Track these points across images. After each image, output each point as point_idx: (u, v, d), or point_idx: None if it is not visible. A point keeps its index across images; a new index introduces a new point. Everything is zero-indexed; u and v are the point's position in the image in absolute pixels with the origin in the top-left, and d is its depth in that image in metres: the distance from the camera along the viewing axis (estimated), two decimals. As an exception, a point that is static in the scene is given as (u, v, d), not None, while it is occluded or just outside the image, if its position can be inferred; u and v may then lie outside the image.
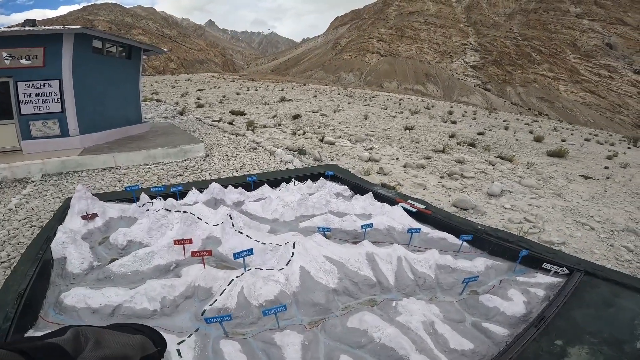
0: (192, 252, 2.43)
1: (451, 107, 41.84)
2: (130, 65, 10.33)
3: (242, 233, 2.76)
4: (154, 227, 2.88)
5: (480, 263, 2.38)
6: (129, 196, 3.51)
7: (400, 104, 39.11)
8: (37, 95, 7.56)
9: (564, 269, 2.22)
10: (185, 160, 7.80)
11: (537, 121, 41.49)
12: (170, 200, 3.31)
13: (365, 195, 3.70)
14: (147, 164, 7.51)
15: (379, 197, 3.71)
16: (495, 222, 6.14)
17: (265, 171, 6.88)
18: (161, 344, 0.76)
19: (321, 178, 4.21)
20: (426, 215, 3.14)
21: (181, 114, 17.64)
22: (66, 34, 7.40)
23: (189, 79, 53.69)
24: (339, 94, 40.31)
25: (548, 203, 7.50)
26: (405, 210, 3.24)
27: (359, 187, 4.05)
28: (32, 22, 8.81)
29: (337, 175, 4.44)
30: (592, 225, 6.32)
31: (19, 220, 4.89)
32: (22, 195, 5.76)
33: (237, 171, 6.92)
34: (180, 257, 2.61)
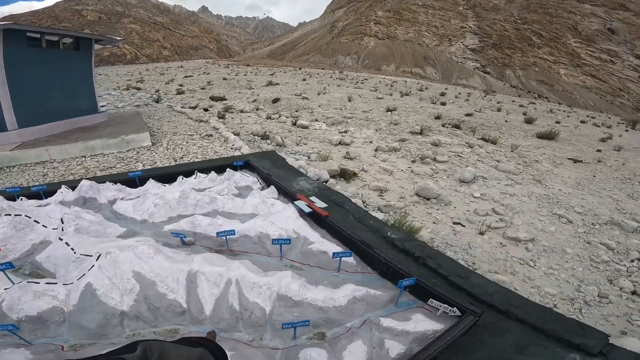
0: None
1: (445, 89, 40.55)
2: (79, 56, 9.82)
3: (61, 239, 2.20)
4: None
5: (345, 293, 1.80)
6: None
7: (392, 86, 37.96)
8: None
9: (455, 309, 1.64)
10: (128, 150, 7.20)
11: (534, 103, 40.25)
12: (14, 202, 2.79)
13: (266, 190, 3.12)
14: (85, 156, 6.93)
15: (282, 192, 3.14)
16: (459, 214, 5.53)
17: (205, 158, 6.27)
18: (222, 356, 0.81)
19: (228, 169, 3.61)
20: (322, 218, 2.56)
21: (157, 101, 16.93)
22: None
23: (181, 66, 52.41)
24: (331, 77, 39.13)
25: (524, 191, 6.86)
26: (300, 210, 2.67)
27: (267, 180, 3.46)
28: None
29: (252, 164, 3.85)
30: (571, 218, 5.68)
31: None
32: None
33: (175, 160, 6.33)
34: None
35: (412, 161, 8.51)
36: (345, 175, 6.92)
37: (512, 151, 10.24)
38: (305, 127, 11.97)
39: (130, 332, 1.68)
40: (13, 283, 1.84)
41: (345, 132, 11.83)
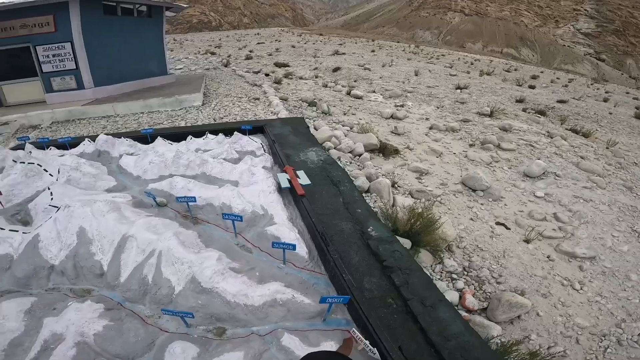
0: None
1: (541, 72, 34.60)
2: (151, 24, 10.61)
3: (49, 189, 2.28)
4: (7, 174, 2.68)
5: (264, 293, 1.54)
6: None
7: (472, 64, 33.77)
8: (54, 56, 8.29)
9: (375, 350, 1.25)
10: (180, 109, 7.62)
11: (655, 97, 32.18)
12: (40, 152, 3.05)
13: (259, 158, 2.90)
14: (143, 113, 7.51)
15: (277, 162, 2.89)
16: (507, 214, 4.66)
17: (230, 121, 6.28)
18: None
19: (235, 133, 3.46)
20: (298, 196, 2.26)
21: (225, 65, 17.67)
22: (71, 1, 7.68)
23: (258, 34, 53.78)
24: (403, 50, 36.39)
25: (606, 198, 5.50)
26: (280, 183, 2.40)
27: (272, 147, 3.23)
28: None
29: (265, 129, 3.64)
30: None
31: None
32: (32, 136, 6.20)
33: (215, 120, 6.46)
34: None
35: (470, 145, 7.46)
36: (384, 150, 6.36)
37: (606, 148, 8.33)
38: (358, 97, 11.38)
39: (51, 286, 1.68)
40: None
41: (402, 106, 10.95)
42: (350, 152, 5.57)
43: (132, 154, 3.18)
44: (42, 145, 3.33)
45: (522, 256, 3.73)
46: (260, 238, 1.93)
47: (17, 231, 1.93)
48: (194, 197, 2.11)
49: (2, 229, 1.92)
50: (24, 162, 2.71)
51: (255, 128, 3.71)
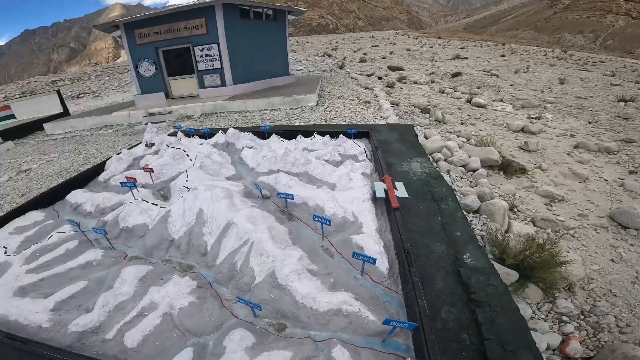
0: (144, 168, 3.03)
1: None
2: (276, 26, 11.63)
3: (186, 172, 2.76)
4: (161, 156, 3.37)
5: (331, 300, 1.50)
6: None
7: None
8: (206, 56, 9.94)
9: None
10: (296, 108, 8.24)
11: None
12: (187, 139, 3.72)
13: (361, 163, 2.85)
14: (267, 109, 8.42)
15: (378, 169, 2.79)
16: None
17: (339, 123, 6.37)
18: None
19: (340, 135, 3.50)
20: (392, 208, 2.12)
21: (340, 67, 18.36)
22: (216, 5, 9.01)
23: (372, 36, 54.13)
24: (544, 55, 30.90)
25: None
26: (376, 191, 2.30)
27: (374, 153, 3.15)
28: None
29: (370, 134, 3.59)
30: None
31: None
32: (185, 125, 7.76)
33: (325, 121, 6.73)
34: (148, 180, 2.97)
35: (631, 172, 5.82)
36: (507, 168, 5.52)
37: None
38: (481, 105, 10.20)
39: (167, 258, 1.99)
40: (135, 199, 2.48)
41: (537, 118, 9.33)
42: (463, 166, 5.02)
43: (251, 148, 3.56)
44: (189, 133, 4.06)
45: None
46: (344, 244, 1.89)
47: (157, 205, 2.38)
48: (292, 195, 2.22)
49: (146, 201, 2.40)
50: (173, 147, 3.35)
51: (360, 132, 3.68)
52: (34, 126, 10.44)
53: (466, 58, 23.47)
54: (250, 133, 3.89)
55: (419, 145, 3.67)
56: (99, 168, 3.63)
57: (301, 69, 18.72)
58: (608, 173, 5.77)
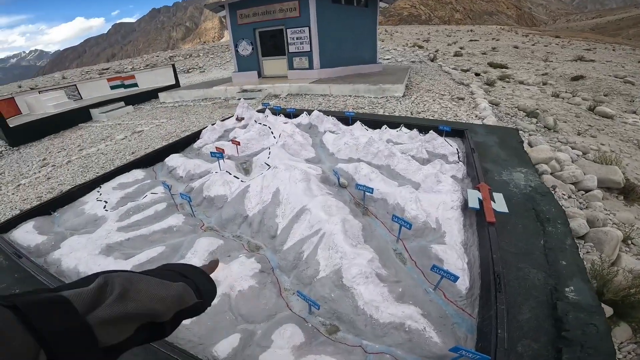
0: (232, 141, 3.18)
1: None
2: (366, 13, 11.28)
3: (268, 149, 2.81)
4: (249, 130, 3.54)
5: (394, 313, 1.32)
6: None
7: None
8: (297, 38, 10.20)
9: None
10: (381, 97, 7.94)
11: None
12: (273, 117, 3.84)
13: (451, 165, 2.52)
14: (350, 96, 8.30)
15: (471, 174, 2.44)
16: None
17: (427, 118, 5.86)
18: (207, 294, 0.65)
19: (431, 131, 3.17)
20: (486, 222, 1.80)
21: (432, 60, 17.16)
22: None
23: (471, 30, 48.96)
24: None
25: None
26: (465, 201, 2.00)
27: (469, 155, 2.78)
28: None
29: (466, 134, 3.19)
30: None
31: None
32: (272, 103, 8.16)
33: (412, 114, 6.31)
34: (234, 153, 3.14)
35: None
36: (630, 192, 4.53)
37: None
38: (608, 116, 8.49)
39: (238, 233, 2.00)
40: (220, 169, 2.59)
41: (685, 139, 7.39)
42: (573, 183, 4.22)
43: (333, 132, 3.49)
44: (276, 111, 4.17)
45: None
46: (420, 252, 1.67)
47: (238, 178, 2.45)
48: (372, 189, 2.06)
49: (229, 173, 2.49)
50: (260, 123, 3.46)
51: (453, 130, 3.30)
52: (152, 94, 12.13)
53: (592, 61, 19.79)
54: (334, 117, 3.81)
55: (524, 154, 3.15)
56: (196, 136, 3.97)
57: (389, 59, 17.99)
58: None
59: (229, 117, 4.31)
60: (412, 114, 6.29)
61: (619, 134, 7.07)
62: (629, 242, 3.66)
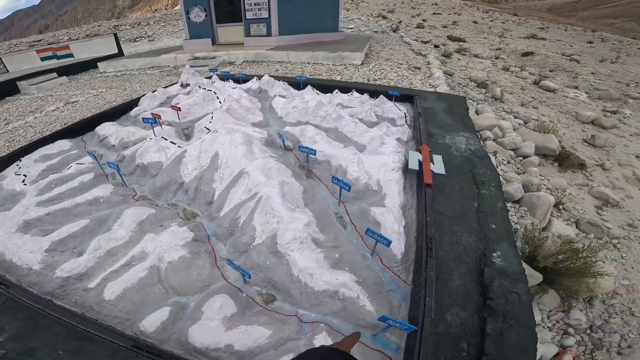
0: (172, 107, 2.98)
1: None
2: None
3: (211, 114, 2.64)
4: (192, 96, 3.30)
5: (329, 280, 1.32)
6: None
7: None
8: (254, 4, 9.58)
9: None
10: (340, 64, 7.79)
11: None
12: (220, 83, 3.59)
13: (397, 128, 2.53)
14: (309, 63, 8.06)
15: (416, 137, 2.47)
16: None
17: (383, 85, 5.89)
18: None
19: (381, 96, 3.16)
20: (423, 184, 1.83)
21: (394, 30, 17.07)
22: None
23: (435, 4, 49.35)
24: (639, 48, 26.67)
25: None
26: (409, 161, 2.01)
27: (416, 119, 2.81)
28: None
29: (415, 99, 3.21)
30: None
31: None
32: (227, 70, 7.69)
33: (368, 81, 6.27)
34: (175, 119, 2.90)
35: None
36: (564, 160, 4.89)
37: None
38: (550, 89, 9.05)
39: (173, 201, 1.89)
40: (155, 135, 2.39)
41: (614, 112, 8.16)
42: (513, 150, 4.48)
43: (283, 97, 3.35)
44: (224, 77, 3.92)
45: None
46: (361, 216, 1.67)
47: (175, 144, 2.28)
48: (315, 150, 2.01)
49: (165, 139, 2.31)
50: (205, 89, 3.22)
51: (403, 96, 3.30)
52: (90, 65, 10.92)
53: (544, 39, 20.80)
54: (285, 82, 3.66)
55: (468, 120, 3.25)
56: (134, 103, 3.63)
57: (352, 28, 17.62)
58: None
59: (173, 84, 3.99)
60: (368, 81, 6.24)
61: (560, 106, 7.60)
62: (561, 207, 3.96)
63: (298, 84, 3.59)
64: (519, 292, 1.34)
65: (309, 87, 3.43)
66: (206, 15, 10.34)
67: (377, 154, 2.10)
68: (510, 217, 3.35)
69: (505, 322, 1.24)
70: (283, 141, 2.31)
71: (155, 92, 3.63)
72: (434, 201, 1.81)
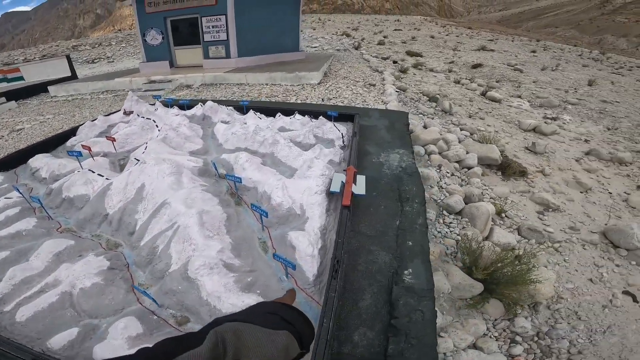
0: (107, 137, 2.89)
1: None
2: (290, 2, 11.17)
3: (146, 144, 2.62)
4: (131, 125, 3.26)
5: (234, 303, 1.32)
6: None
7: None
8: (212, 27, 9.68)
9: None
10: (298, 85, 7.95)
11: None
12: (164, 109, 3.57)
13: (330, 150, 2.63)
14: (267, 84, 8.15)
15: (348, 158, 2.58)
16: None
17: (337, 104, 6.07)
18: (307, 340, 0.64)
19: (320, 117, 3.27)
20: (342, 206, 1.91)
21: (356, 48, 17.72)
22: None
23: (397, 20, 51.90)
24: (579, 55, 29.23)
25: None
26: (331, 184, 2.10)
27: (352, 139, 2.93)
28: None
29: (355, 118, 3.34)
30: None
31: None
32: (182, 94, 7.59)
33: (323, 100, 6.45)
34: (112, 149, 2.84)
35: (639, 187, 5.42)
36: (506, 169, 5.19)
37: None
38: (496, 100, 9.69)
39: (97, 233, 1.87)
40: (82, 168, 2.35)
41: (554, 119, 8.83)
42: (457, 162, 4.73)
43: (227, 122, 3.38)
44: (167, 104, 3.90)
45: (630, 337, 2.53)
46: (282, 240, 1.72)
47: (102, 176, 2.24)
48: (240, 178, 2.04)
49: (92, 171, 2.27)
50: (144, 117, 3.19)
51: (343, 115, 3.44)
52: (41, 88, 10.47)
53: (492, 50, 22.34)
54: (231, 107, 3.70)
55: (406, 136, 3.43)
56: (72, 133, 3.52)
57: (316, 47, 18.12)
58: (615, 186, 5.37)
59: (116, 112, 3.91)
60: (323, 100, 6.42)
61: (504, 116, 8.14)
62: (503, 215, 4.16)
63: (242, 109, 3.64)
64: (423, 310, 1.40)
65: (251, 112, 3.48)
66: (163, 38, 10.29)
67: (304, 177, 2.16)
68: (451, 229, 3.44)
69: (407, 341, 1.29)
70: (216, 169, 2.34)
71: (95, 121, 3.55)
72: (357, 221, 1.88)
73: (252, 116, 3.41)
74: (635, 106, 10.88)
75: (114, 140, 2.83)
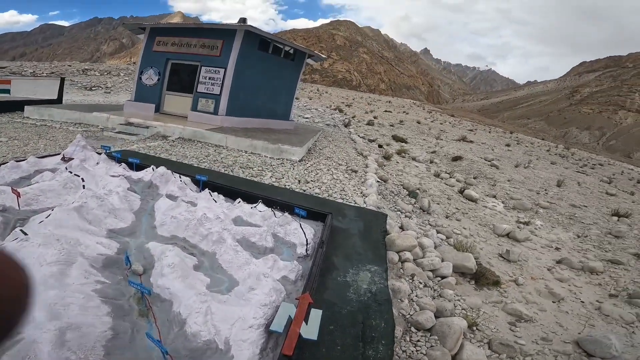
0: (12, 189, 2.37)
1: None
2: (291, 66, 11.35)
3: (52, 210, 2.07)
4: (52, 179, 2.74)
5: None
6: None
7: (645, 187, 26.78)
8: (209, 78, 9.64)
9: None
10: (277, 159, 7.70)
11: None
12: (104, 166, 3.09)
13: (291, 263, 2.17)
14: (246, 152, 7.87)
15: (310, 275, 2.10)
16: None
17: (313, 190, 5.75)
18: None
19: (286, 214, 2.86)
20: (281, 354, 1.40)
21: (346, 125, 18.51)
22: (238, 30, 8.90)
23: (389, 102, 56.58)
24: (547, 150, 32.07)
25: None
26: (275, 318, 1.59)
27: (318, 249, 2.49)
28: (243, 20, 10.81)
29: (328, 219, 2.95)
30: None
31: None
32: (154, 145, 7.21)
33: (300, 182, 6.14)
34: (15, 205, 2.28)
35: (611, 295, 5.28)
36: (480, 278, 4.90)
37: None
38: (473, 199, 9.81)
39: None
40: None
41: (526, 223, 8.90)
42: (431, 270, 4.35)
43: (174, 198, 2.90)
44: (114, 158, 3.41)
45: None
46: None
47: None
48: (149, 289, 1.52)
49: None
50: (71, 172, 2.69)
51: (314, 213, 3.03)
52: (20, 106, 9.95)
53: (472, 142, 24.00)
54: (188, 178, 3.26)
55: (381, 247, 3.03)
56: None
57: (307, 118, 18.82)
58: (586, 295, 5.19)
59: (52, 155, 3.39)
60: (299, 182, 6.13)
61: (479, 218, 8.10)
62: (475, 328, 3.78)
63: (198, 183, 3.20)
64: None
65: (206, 191, 3.03)
66: (158, 79, 10.23)
67: (241, 301, 1.66)
68: (418, 348, 3.05)
69: None
70: (129, 262, 1.80)
71: (21, 162, 2.99)
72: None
73: (205, 197, 2.94)
74: (601, 211, 11.34)
75: (18, 195, 2.26)
